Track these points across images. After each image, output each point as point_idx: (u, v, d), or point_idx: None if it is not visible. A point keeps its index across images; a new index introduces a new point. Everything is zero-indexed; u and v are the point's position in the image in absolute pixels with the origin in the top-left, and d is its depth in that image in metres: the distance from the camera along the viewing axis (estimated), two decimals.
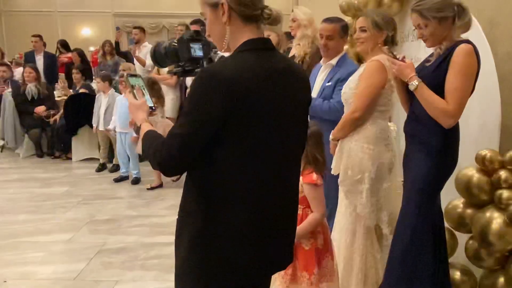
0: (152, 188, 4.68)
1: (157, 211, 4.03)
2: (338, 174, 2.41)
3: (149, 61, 6.07)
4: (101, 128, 5.26)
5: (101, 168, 5.42)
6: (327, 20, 2.79)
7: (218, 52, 1.56)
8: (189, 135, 1.15)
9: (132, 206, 4.19)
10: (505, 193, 2.07)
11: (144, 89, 1.46)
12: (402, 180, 2.24)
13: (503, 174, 2.11)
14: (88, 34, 16.12)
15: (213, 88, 1.13)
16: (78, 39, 12.71)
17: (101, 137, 5.43)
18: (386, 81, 2.24)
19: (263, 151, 1.22)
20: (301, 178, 2.02)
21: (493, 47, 2.88)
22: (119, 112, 4.86)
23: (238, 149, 1.19)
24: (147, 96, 1.45)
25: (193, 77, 1.36)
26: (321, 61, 2.93)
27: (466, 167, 2.25)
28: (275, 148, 1.24)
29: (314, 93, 2.80)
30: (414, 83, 1.98)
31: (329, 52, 2.78)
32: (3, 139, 6.29)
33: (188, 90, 1.25)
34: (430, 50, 2.17)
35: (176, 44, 1.49)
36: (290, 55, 3.41)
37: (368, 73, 2.26)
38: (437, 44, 2.01)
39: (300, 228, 1.96)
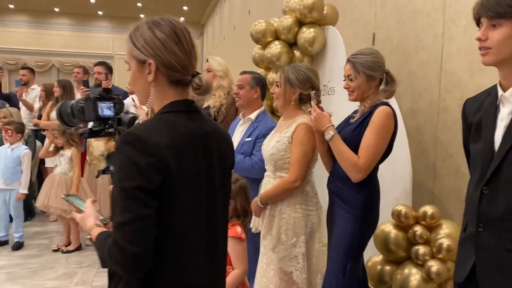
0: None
1: (46, 283, 3.62)
2: (258, 234, 2.41)
3: (37, 105, 5.68)
4: None
5: None
6: (242, 72, 2.98)
7: (130, 112, 1.51)
8: (137, 217, 1.05)
9: (14, 278, 3.71)
10: (421, 249, 2.22)
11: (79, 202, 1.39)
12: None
13: (418, 229, 2.27)
14: None
15: (143, 153, 1.08)
16: None
17: None
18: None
19: (195, 220, 1.18)
20: None
21: (397, 104, 3.19)
22: (3, 165, 4.37)
23: (175, 219, 1.14)
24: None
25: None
26: (240, 115, 3.02)
27: (383, 223, 2.38)
28: (204, 214, 1.21)
29: None
30: (331, 133, 2.10)
31: (240, 101, 2.93)
32: None
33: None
34: (338, 104, 2.32)
35: (83, 103, 1.42)
36: (205, 105, 3.44)
37: (302, 138, 2.28)
38: (359, 99, 2.17)
39: None
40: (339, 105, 3.09)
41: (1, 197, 4.41)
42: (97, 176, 1.45)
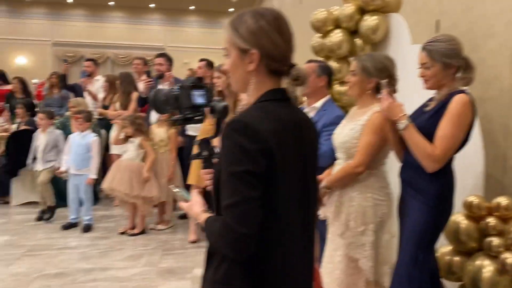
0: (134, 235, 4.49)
1: (115, 263, 3.81)
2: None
3: (100, 95, 5.92)
4: (39, 168, 4.95)
5: (43, 216, 5.01)
6: (308, 60, 2.97)
7: (222, 101, 1.56)
8: (246, 199, 1.10)
9: (86, 257, 3.94)
10: (495, 241, 2.17)
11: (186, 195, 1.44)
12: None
13: (491, 221, 2.21)
14: (23, 64, 15.56)
15: (250, 139, 1.12)
16: (11, 69, 12.10)
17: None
18: None
19: (294, 207, 1.22)
20: None
21: None
22: (74, 152, 4.62)
23: (277, 205, 1.17)
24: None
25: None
26: (305, 103, 3.01)
27: (454, 214, 2.33)
28: (300, 201, 1.25)
29: None
30: (405, 122, 2.05)
31: (306, 89, 2.90)
32: None
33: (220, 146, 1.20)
34: (402, 92, 2.27)
35: (177, 91, 1.48)
36: None
37: (375, 126, 2.26)
38: (435, 87, 2.11)
39: None
40: (402, 92, 3.03)
41: (73, 182, 4.66)
42: (189, 161, 1.51)
